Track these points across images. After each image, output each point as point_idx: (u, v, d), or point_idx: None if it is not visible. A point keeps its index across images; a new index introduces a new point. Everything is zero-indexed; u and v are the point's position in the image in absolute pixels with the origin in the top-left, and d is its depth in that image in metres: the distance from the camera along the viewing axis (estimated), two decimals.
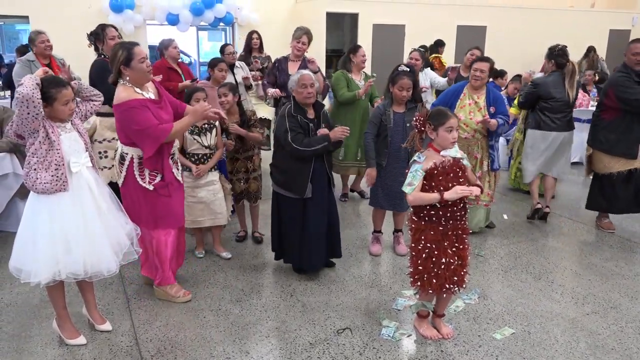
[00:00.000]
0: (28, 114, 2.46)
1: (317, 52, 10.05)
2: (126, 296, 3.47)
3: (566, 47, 4.80)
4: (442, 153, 2.75)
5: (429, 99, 5.81)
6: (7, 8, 9.38)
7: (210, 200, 3.88)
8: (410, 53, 5.70)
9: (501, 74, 7.12)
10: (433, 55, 8.96)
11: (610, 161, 4.63)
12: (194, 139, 3.79)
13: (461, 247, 2.81)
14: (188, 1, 9.61)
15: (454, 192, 2.65)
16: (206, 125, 3.82)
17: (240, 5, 10.30)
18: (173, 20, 9.82)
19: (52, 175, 2.59)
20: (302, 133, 3.47)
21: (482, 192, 2.80)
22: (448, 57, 9.76)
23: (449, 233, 2.77)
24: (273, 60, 5.57)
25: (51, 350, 2.87)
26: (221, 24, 10.51)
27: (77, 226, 2.66)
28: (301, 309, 3.33)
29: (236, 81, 5.31)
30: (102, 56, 4.49)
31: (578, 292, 3.60)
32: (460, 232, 2.80)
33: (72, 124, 2.73)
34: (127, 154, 3.10)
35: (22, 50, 7.65)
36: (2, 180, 4.30)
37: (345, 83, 5.04)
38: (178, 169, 3.29)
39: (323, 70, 7.92)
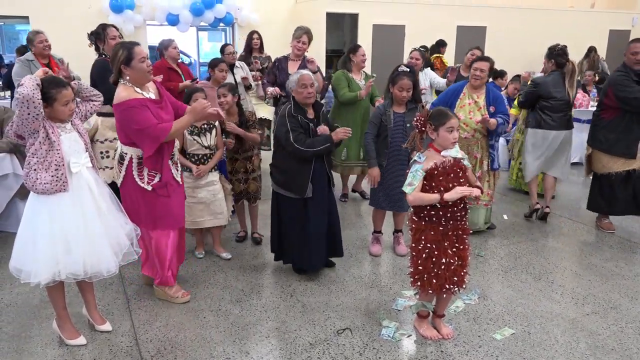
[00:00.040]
0: (28, 114, 2.46)
1: (317, 52, 10.06)
2: (126, 296, 3.47)
3: (566, 46, 4.81)
4: (442, 153, 2.75)
5: (429, 99, 5.82)
6: (7, 8, 9.39)
7: (210, 201, 3.88)
8: (411, 52, 5.70)
9: (501, 74, 7.12)
10: (434, 55, 8.96)
11: (609, 161, 4.63)
12: (194, 139, 3.79)
13: (461, 247, 2.81)
14: (188, 1, 9.62)
15: (455, 193, 2.65)
16: (205, 126, 3.82)
17: (240, 6, 10.31)
18: (173, 20, 9.82)
19: (52, 176, 2.59)
20: (303, 133, 3.47)
21: (482, 192, 2.80)
22: (448, 58, 9.77)
23: (449, 233, 2.77)
24: (273, 60, 5.57)
25: (51, 350, 2.87)
26: (221, 24, 10.52)
27: (77, 226, 2.66)
28: (301, 309, 3.33)
29: (236, 81, 5.32)
30: (103, 56, 4.49)
31: (578, 293, 3.60)
32: (460, 232, 2.80)
33: (72, 124, 2.73)
34: (126, 153, 3.10)
35: (22, 51, 7.65)
36: (2, 181, 4.29)
37: (346, 83, 5.04)
38: (178, 170, 3.28)
39: (323, 70, 7.92)
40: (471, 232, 2.94)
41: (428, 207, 2.75)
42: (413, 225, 2.86)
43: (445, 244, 2.76)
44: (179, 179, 3.27)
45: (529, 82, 5.82)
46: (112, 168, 4.34)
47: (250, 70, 5.83)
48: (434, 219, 2.76)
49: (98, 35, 4.58)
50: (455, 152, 2.78)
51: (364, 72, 5.25)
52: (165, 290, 3.37)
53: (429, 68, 6.28)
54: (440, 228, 2.76)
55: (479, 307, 3.37)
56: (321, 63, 9.95)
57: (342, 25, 11.76)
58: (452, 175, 2.71)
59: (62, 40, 7.36)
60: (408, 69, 3.81)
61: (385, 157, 3.87)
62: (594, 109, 4.96)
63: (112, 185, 3.22)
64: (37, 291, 3.37)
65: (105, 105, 3.10)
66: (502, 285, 3.69)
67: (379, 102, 4.78)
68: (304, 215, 3.58)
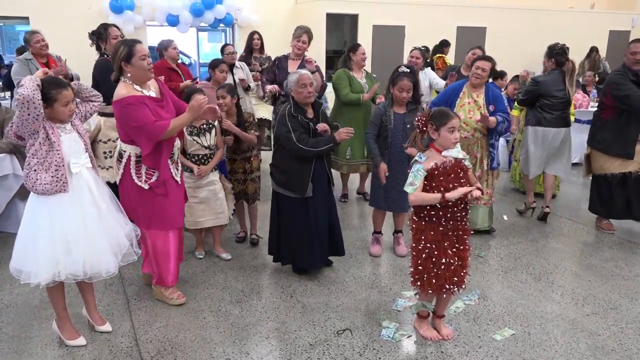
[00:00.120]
0: (29, 115, 2.46)
1: (317, 52, 10.06)
2: (126, 297, 3.47)
3: (565, 45, 4.82)
4: (443, 153, 2.75)
5: (428, 99, 5.81)
6: (7, 9, 9.39)
7: (211, 200, 3.89)
8: (411, 52, 5.70)
9: (501, 74, 7.12)
10: (437, 55, 8.96)
11: (606, 162, 4.64)
12: (194, 139, 3.79)
13: (462, 247, 2.81)
14: (188, 2, 9.62)
15: (457, 192, 2.65)
16: (205, 126, 3.82)
17: (240, 6, 10.30)
18: (173, 21, 9.82)
19: (52, 176, 2.59)
20: (304, 133, 3.47)
21: (482, 193, 2.80)
22: (449, 58, 9.76)
23: (449, 233, 2.77)
24: (273, 59, 5.56)
25: (51, 351, 2.87)
26: (221, 25, 10.52)
27: (77, 227, 2.66)
28: (301, 309, 3.32)
29: (235, 82, 5.31)
30: (105, 56, 4.49)
31: (578, 293, 3.60)
32: (461, 232, 2.80)
33: (72, 124, 2.73)
34: (125, 151, 3.10)
35: (22, 51, 7.63)
36: (2, 181, 4.29)
37: (347, 82, 5.04)
38: (178, 169, 3.28)
39: (323, 70, 7.92)
40: (472, 232, 2.94)
41: (428, 207, 2.75)
42: (413, 225, 2.86)
43: (445, 244, 2.76)
44: (178, 178, 3.26)
45: (527, 81, 5.83)
46: None
47: (251, 71, 5.83)
48: (434, 219, 2.76)
49: (100, 35, 4.58)
50: (457, 152, 2.77)
51: (364, 70, 5.25)
52: (162, 291, 3.36)
53: (429, 68, 6.28)
54: (440, 228, 2.76)
55: (479, 308, 3.37)
56: (321, 63, 9.95)
57: (342, 26, 11.76)
58: (452, 175, 2.71)
59: (62, 40, 7.37)
60: (408, 70, 3.81)
61: (386, 157, 3.87)
62: (594, 109, 4.96)
63: (112, 186, 3.23)
64: (37, 292, 3.37)
65: (108, 105, 3.10)
66: (502, 286, 3.69)
67: (380, 99, 4.79)
68: (304, 214, 3.58)
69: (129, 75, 2.99)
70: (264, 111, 6.00)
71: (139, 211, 3.14)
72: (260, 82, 5.66)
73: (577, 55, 6.75)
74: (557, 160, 4.94)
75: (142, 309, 3.32)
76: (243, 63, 5.80)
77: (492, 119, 4.11)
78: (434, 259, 2.78)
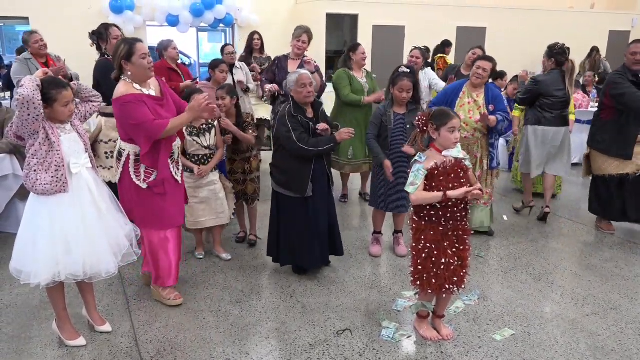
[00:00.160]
0: (29, 115, 2.46)
1: (317, 53, 10.06)
2: (126, 297, 3.47)
3: (565, 45, 4.83)
4: (443, 153, 2.75)
5: (427, 99, 5.81)
6: (7, 9, 9.39)
7: (212, 200, 3.89)
8: (411, 51, 5.70)
9: (501, 75, 7.12)
10: (439, 55, 8.95)
11: (604, 162, 4.64)
12: (193, 140, 3.79)
13: (461, 247, 2.81)
14: (188, 2, 9.62)
15: (459, 191, 2.65)
16: (204, 126, 3.82)
17: (240, 7, 10.30)
18: (173, 21, 9.82)
19: (52, 177, 2.59)
20: (305, 132, 3.47)
21: (482, 193, 2.80)
22: (449, 58, 9.76)
23: (449, 233, 2.77)
24: (273, 59, 5.56)
25: (51, 351, 2.87)
26: (221, 25, 10.51)
27: (77, 227, 2.66)
28: (301, 310, 3.32)
29: (234, 82, 5.31)
30: (106, 56, 4.49)
31: (578, 293, 3.60)
32: (461, 232, 2.80)
33: (71, 125, 2.73)
34: (124, 150, 3.10)
35: (22, 52, 7.63)
36: (2, 182, 4.29)
37: (348, 81, 5.04)
38: (178, 169, 3.28)
39: (323, 71, 7.92)
40: (472, 232, 2.94)
41: (428, 207, 2.75)
42: (413, 225, 2.86)
43: (445, 244, 2.76)
44: (178, 178, 3.25)
45: (527, 81, 5.82)
46: None
47: (251, 71, 5.83)
48: (434, 219, 2.76)
49: (100, 35, 4.57)
50: (457, 152, 2.77)
51: (365, 69, 5.25)
52: (159, 291, 3.36)
53: (429, 68, 6.28)
54: (440, 228, 2.76)
55: (479, 308, 3.37)
56: (321, 64, 9.94)
57: (342, 26, 11.76)
58: (452, 175, 2.71)
59: (62, 40, 7.38)
60: (408, 70, 3.81)
61: (386, 157, 3.87)
62: (594, 109, 4.96)
63: (114, 186, 3.23)
64: (37, 292, 3.37)
65: (109, 105, 3.10)
66: (502, 286, 3.69)
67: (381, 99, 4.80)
68: (304, 214, 3.58)
69: (129, 73, 2.99)
70: (263, 111, 5.99)
71: (137, 210, 3.14)
72: (259, 82, 5.66)
73: (577, 55, 6.75)
74: (557, 159, 4.94)
75: (142, 309, 3.32)
76: (243, 63, 5.80)
77: (492, 117, 4.11)
78: (433, 259, 2.78)
